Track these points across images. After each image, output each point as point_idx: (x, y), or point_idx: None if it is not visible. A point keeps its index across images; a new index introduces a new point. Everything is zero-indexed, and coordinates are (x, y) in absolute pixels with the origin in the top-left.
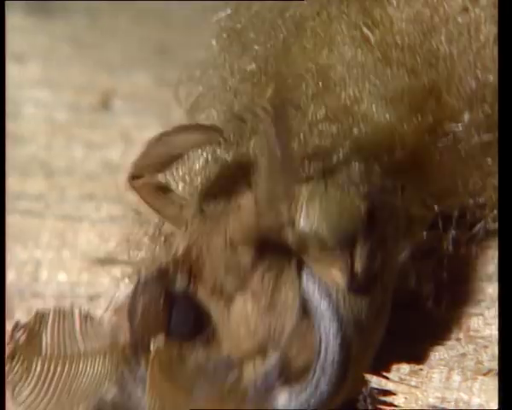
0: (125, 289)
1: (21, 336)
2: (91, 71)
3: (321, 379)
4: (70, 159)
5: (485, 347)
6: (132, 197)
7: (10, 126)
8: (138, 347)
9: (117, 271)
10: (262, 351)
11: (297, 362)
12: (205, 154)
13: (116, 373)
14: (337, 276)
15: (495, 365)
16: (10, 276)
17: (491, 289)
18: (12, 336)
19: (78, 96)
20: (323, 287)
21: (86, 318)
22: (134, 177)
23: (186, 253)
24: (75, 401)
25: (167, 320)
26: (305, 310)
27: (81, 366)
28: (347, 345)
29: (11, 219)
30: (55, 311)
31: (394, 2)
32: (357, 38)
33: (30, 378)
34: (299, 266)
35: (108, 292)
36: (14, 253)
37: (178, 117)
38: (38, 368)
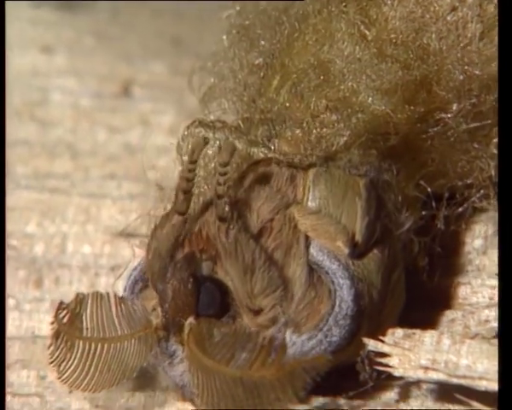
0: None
1: (64, 317)
2: (113, 61)
3: (332, 329)
4: (93, 141)
5: (472, 313)
6: (151, 176)
7: (39, 112)
8: (170, 328)
9: (136, 243)
10: (274, 322)
11: (306, 326)
12: (218, 141)
13: (150, 352)
14: (340, 247)
15: (481, 329)
16: (39, 248)
17: (478, 261)
18: (56, 315)
19: (100, 84)
20: (332, 253)
21: (121, 302)
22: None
23: (199, 235)
24: (114, 378)
25: (196, 302)
26: (313, 280)
27: (118, 346)
28: (361, 302)
29: (40, 197)
30: (93, 295)
31: (389, 2)
32: (355, 35)
33: (73, 358)
34: (307, 241)
35: (129, 263)
36: (43, 227)
37: (191, 103)
38: (80, 348)
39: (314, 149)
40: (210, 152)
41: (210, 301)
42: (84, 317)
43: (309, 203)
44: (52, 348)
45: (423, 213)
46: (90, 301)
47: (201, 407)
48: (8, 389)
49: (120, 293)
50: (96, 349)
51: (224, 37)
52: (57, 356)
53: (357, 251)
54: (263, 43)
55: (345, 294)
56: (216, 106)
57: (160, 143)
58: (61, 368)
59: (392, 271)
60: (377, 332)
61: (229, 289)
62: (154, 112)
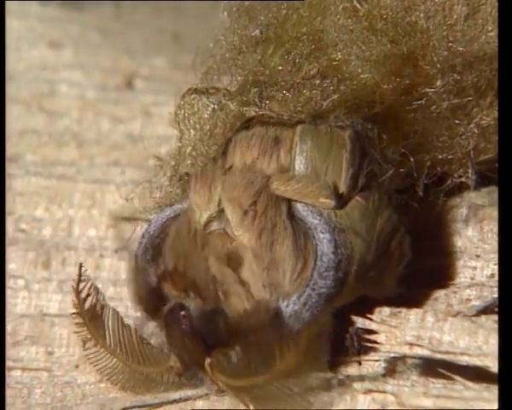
0: None
1: (86, 301)
2: (116, 56)
3: (318, 282)
4: (98, 131)
5: (455, 292)
6: (152, 163)
7: (47, 103)
8: (191, 368)
9: (138, 226)
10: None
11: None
12: (212, 104)
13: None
14: (326, 201)
15: (463, 308)
16: (47, 231)
17: (460, 243)
18: (77, 293)
19: (105, 77)
20: (315, 209)
21: (143, 340)
22: None
23: (175, 273)
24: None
25: (203, 343)
26: (301, 246)
27: (137, 373)
28: (341, 251)
29: (48, 183)
30: (113, 312)
31: None
32: (349, 9)
33: (99, 356)
34: (289, 206)
35: (132, 245)
36: (50, 211)
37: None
38: (103, 354)
39: (303, 108)
40: (205, 115)
41: (214, 332)
42: (106, 326)
43: (297, 158)
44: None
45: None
46: (111, 317)
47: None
48: (18, 364)
49: (131, 260)
50: (119, 366)
51: (225, 14)
52: (85, 335)
53: (342, 202)
54: (261, 18)
55: (325, 247)
56: (216, 78)
57: (161, 132)
58: (86, 348)
59: (377, 216)
60: (380, 280)
61: (220, 308)
62: (156, 103)
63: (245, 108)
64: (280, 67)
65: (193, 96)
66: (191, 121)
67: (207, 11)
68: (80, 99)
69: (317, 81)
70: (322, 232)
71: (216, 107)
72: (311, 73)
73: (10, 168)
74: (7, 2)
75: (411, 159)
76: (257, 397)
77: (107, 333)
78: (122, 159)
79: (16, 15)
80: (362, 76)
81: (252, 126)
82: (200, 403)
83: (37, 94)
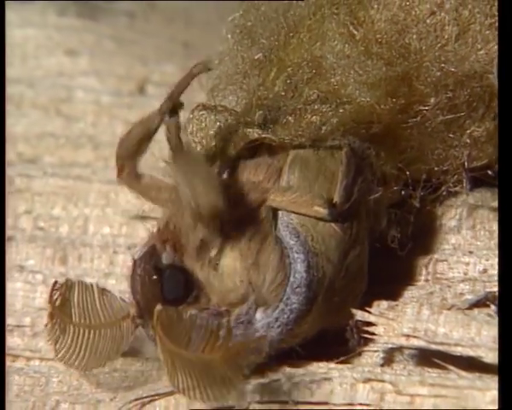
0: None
1: (57, 299)
2: (130, 63)
3: (291, 298)
4: (112, 134)
5: (449, 286)
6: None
7: (64, 108)
8: (144, 315)
9: (150, 225)
10: (245, 299)
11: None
12: (219, 122)
13: (129, 338)
14: (319, 209)
15: (457, 301)
16: (64, 229)
17: (454, 240)
18: (51, 295)
19: (119, 83)
20: (293, 229)
21: (104, 292)
22: (119, 172)
23: (166, 227)
24: (101, 359)
25: (161, 290)
26: (284, 263)
27: (102, 332)
28: (313, 270)
29: (65, 183)
30: (79, 284)
31: (375, 6)
32: (345, 35)
33: (66, 339)
34: (275, 220)
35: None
36: (67, 210)
37: (199, 99)
38: (71, 331)
39: (303, 132)
40: (212, 132)
41: (174, 286)
42: (72, 303)
43: (285, 175)
44: (49, 327)
45: (402, 192)
46: (77, 290)
47: (171, 385)
48: (36, 355)
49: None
50: (83, 334)
51: (229, 36)
52: (53, 335)
53: (335, 212)
54: (263, 41)
55: (298, 266)
56: (221, 97)
57: None
58: (57, 346)
59: (350, 249)
60: (340, 309)
61: (191, 273)
62: None
63: (249, 130)
64: (282, 92)
65: (201, 112)
66: (198, 136)
67: (215, 21)
68: (95, 104)
69: (317, 106)
70: (297, 253)
71: (222, 125)
72: (312, 98)
73: (29, 170)
74: (27, 13)
75: (407, 172)
76: (174, 368)
77: (73, 308)
78: None
79: (35, 25)
80: (359, 99)
81: (258, 152)
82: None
83: (54, 99)
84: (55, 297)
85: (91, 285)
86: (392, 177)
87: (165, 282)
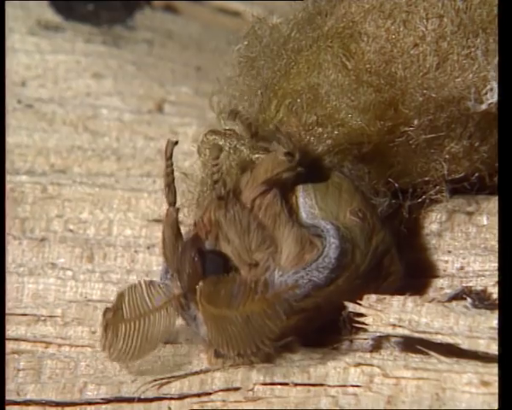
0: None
1: (110, 317)
2: (149, 85)
3: (313, 272)
4: (133, 147)
5: (430, 282)
6: (177, 175)
7: (91, 124)
8: (187, 295)
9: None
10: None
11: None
12: (227, 145)
13: (176, 319)
14: (282, 159)
15: (437, 295)
16: (91, 231)
17: (435, 241)
18: (105, 316)
19: (139, 102)
20: (327, 219)
21: (149, 284)
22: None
23: (209, 220)
24: (152, 345)
25: (203, 271)
26: (300, 238)
27: (151, 319)
28: (342, 258)
29: (92, 191)
30: (129, 287)
31: (365, 39)
32: (338, 65)
33: (118, 339)
34: (292, 211)
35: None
36: (94, 214)
37: (211, 117)
38: (123, 330)
39: (303, 154)
40: (222, 156)
41: (214, 267)
42: (124, 305)
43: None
44: (103, 339)
45: (393, 201)
46: (127, 292)
47: (215, 347)
48: (66, 342)
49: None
50: (134, 328)
51: (236, 65)
52: (106, 343)
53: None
54: (266, 71)
55: (331, 252)
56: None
57: (186, 149)
58: (111, 351)
59: (373, 235)
60: (361, 289)
61: (230, 257)
62: (181, 124)
63: (255, 155)
64: (284, 118)
65: (212, 136)
66: (208, 157)
67: (223, 48)
68: (118, 121)
69: (314, 129)
70: (334, 237)
71: (230, 149)
72: (309, 122)
73: (60, 179)
74: (58, 41)
75: (396, 185)
76: (217, 329)
77: (124, 309)
78: (153, 171)
79: (65, 51)
80: (352, 122)
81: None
82: (217, 374)
83: (82, 117)
84: (108, 317)
85: (139, 282)
86: (383, 192)
87: (208, 264)
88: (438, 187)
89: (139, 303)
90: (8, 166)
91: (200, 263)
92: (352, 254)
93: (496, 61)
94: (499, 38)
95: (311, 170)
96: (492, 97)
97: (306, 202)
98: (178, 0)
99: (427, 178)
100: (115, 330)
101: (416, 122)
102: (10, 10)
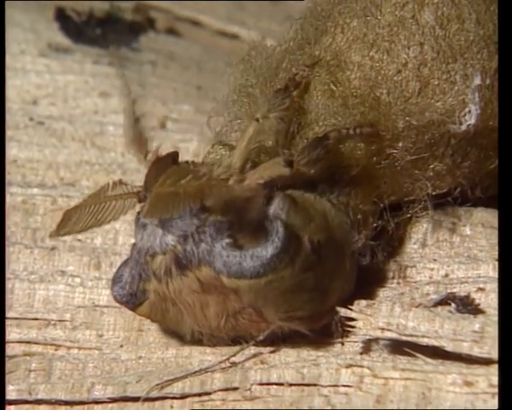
0: None
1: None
2: (152, 103)
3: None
4: (138, 162)
5: (417, 288)
6: None
7: (98, 140)
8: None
9: None
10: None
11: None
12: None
13: (129, 209)
14: (280, 167)
15: (423, 300)
16: (98, 240)
17: (421, 250)
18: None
19: (143, 120)
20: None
21: (118, 182)
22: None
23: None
24: (96, 223)
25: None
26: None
27: (107, 204)
28: (277, 261)
29: None
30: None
31: (351, 67)
32: (327, 91)
33: (72, 217)
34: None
35: None
36: None
37: (210, 134)
38: (79, 211)
39: (294, 175)
40: (225, 163)
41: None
42: (88, 197)
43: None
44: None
45: (379, 222)
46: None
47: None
48: (75, 344)
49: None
50: (88, 210)
51: (230, 90)
52: (61, 223)
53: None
54: (258, 95)
55: (271, 249)
56: (225, 138)
57: None
58: (61, 226)
59: (311, 269)
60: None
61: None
62: (183, 140)
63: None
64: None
65: (219, 146)
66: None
67: (223, 68)
68: (124, 137)
69: (306, 152)
70: (279, 240)
71: (224, 153)
72: (301, 145)
73: (69, 191)
74: (68, 62)
75: (381, 205)
76: (154, 201)
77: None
78: None
79: (74, 72)
80: (340, 145)
81: None
82: (217, 375)
83: (90, 133)
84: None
85: (109, 183)
86: (370, 213)
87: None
88: (422, 205)
89: (100, 194)
90: (19, 179)
91: (161, 167)
92: (284, 267)
93: (473, 84)
94: (499, 49)
95: (301, 188)
96: (471, 119)
97: (280, 204)
98: (180, 23)
99: (412, 197)
100: (72, 212)
101: (400, 144)
102: (22, 33)
